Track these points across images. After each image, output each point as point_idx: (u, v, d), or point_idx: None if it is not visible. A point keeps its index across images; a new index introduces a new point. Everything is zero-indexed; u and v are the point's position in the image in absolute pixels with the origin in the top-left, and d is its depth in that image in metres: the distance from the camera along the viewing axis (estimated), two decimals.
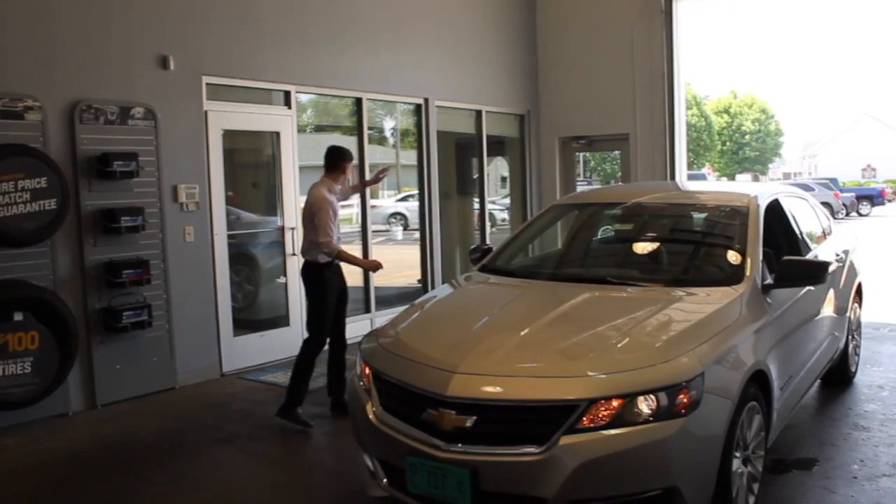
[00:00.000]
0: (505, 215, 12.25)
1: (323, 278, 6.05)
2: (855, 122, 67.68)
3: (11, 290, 5.76)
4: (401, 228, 11.11)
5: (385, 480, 3.98)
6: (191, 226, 7.11)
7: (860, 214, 35.30)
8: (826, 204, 30.82)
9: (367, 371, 4.12)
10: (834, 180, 36.18)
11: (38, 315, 5.85)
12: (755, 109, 59.05)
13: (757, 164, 59.44)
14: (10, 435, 5.79)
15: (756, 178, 53.32)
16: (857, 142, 63.19)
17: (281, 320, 8.18)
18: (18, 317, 5.76)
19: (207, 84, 7.25)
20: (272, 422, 6.05)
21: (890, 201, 41.89)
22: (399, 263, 10.35)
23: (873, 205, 36.83)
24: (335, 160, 6.18)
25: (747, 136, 58.41)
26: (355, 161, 9.05)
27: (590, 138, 11.36)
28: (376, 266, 6.41)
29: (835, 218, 30.58)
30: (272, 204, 8.25)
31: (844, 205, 33.95)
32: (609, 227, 6.19)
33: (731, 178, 53.06)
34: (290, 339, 8.06)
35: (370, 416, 3.96)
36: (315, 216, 5.93)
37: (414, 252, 10.20)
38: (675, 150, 10.44)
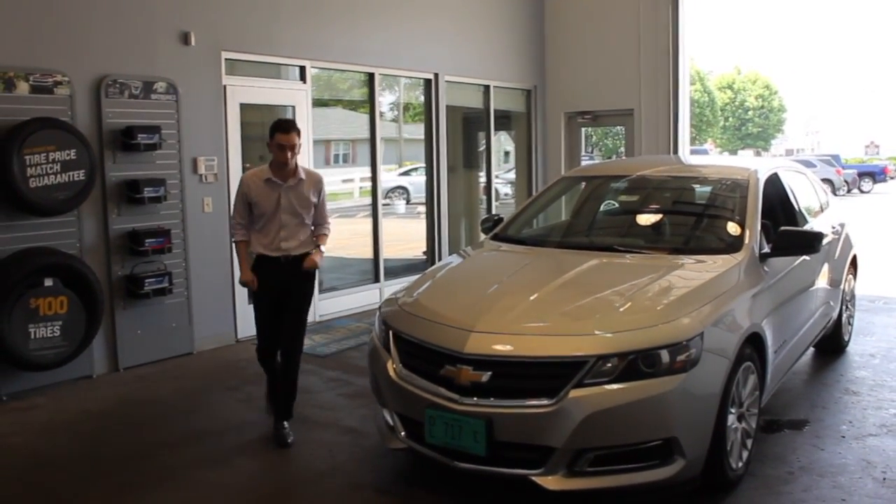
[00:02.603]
0: (507, 190, 12.46)
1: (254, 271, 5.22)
2: (859, 99, 67.54)
3: (42, 257, 6.01)
4: (403, 202, 11.29)
5: (403, 433, 4.26)
6: (209, 197, 7.35)
7: (862, 191, 35.41)
8: (827, 180, 30.96)
9: (388, 331, 4.40)
10: (836, 157, 36.21)
11: (66, 281, 6.10)
12: (759, 85, 58.98)
13: (759, 141, 59.46)
14: (41, 395, 6.07)
15: (758, 154, 53.34)
16: (861, 118, 63.12)
17: None
18: (49, 282, 6.01)
19: (226, 59, 7.46)
20: None
21: (892, 178, 41.89)
22: (403, 237, 10.58)
23: (875, 181, 36.89)
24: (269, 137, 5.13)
25: (750, 112, 58.39)
26: (363, 134, 9.27)
27: (595, 113, 11.55)
28: (249, 282, 5.17)
29: (836, 194, 30.60)
30: None
31: (846, 181, 34.03)
32: (615, 198, 6.43)
33: (734, 153, 53.07)
34: None
35: (391, 374, 4.24)
36: None
37: (416, 225, 10.42)
38: (679, 125, 10.63)
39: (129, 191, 6.65)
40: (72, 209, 6.24)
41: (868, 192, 35.50)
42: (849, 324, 7.09)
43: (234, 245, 5.43)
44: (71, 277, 6.13)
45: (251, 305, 5.48)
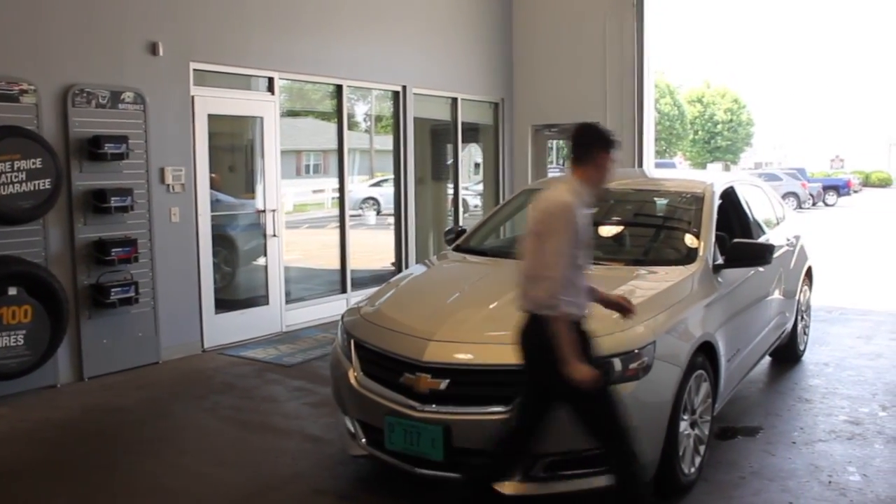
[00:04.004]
0: (477, 201, 12.57)
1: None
2: (825, 114, 68.65)
3: (6, 266, 6.00)
4: (374, 213, 11.38)
5: (364, 440, 4.35)
6: (176, 207, 7.37)
7: (826, 204, 36.02)
8: (793, 193, 31.51)
9: (350, 340, 4.48)
10: (801, 170, 36.82)
11: (30, 290, 6.09)
12: (727, 99, 59.66)
13: (728, 154, 60.08)
14: (4, 404, 6.05)
15: (727, 168, 53.91)
16: (827, 132, 64.18)
17: (260, 300, 8.48)
18: (13, 291, 6.00)
19: (195, 70, 7.50)
20: (254, 392, 6.40)
21: (856, 192, 42.69)
22: (373, 248, 10.66)
23: (839, 195, 37.58)
24: (584, 145, 3.74)
25: (719, 126, 59.01)
26: (334, 145, 9.34)
27: (562, 126, 11.71)
28: (594, 379, 3.44)
29: (801, 207, 31.02)
30: (252, 187, 8.54)
31: (811, 194, 34.63)
32: None
33: (703, 166, 53.64)
34: (268, 317, 8.40)
35: (352, 381, 4.33)
36: (546, 235, 3.52)
37: (386, 236, 10.50)
38: (644, 138, 10.83)
39: (95, 200, 6.66)
40: (37, 218, 6.24)
41: (833, 205, 36.12)
42: (804, 334, 7.27)
43: (553, 310, 3.46)
44: (36, 286, 6.12)
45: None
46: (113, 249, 6.72)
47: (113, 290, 6.73)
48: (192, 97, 7.49)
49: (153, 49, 7.09)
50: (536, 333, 3.56)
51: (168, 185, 7.28)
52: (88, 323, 6.74)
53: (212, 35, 7.61)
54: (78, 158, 6.59)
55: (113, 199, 6.69)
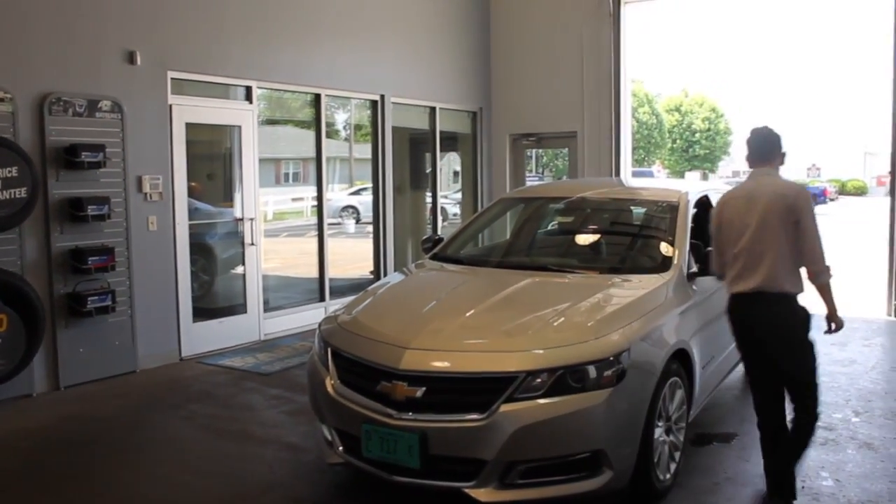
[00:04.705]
0: (456, 210, 12.63)
1: (807, 314, 4.54)
2: (802, 122, 69.28)
3: None
4: (353, 221, 11.40)
5: (341, 448, 4.36)
6: (154, 215, 7.35)
7: None
8: None
9: (327, 348, 4.49)
10: None
11: (6, 299, 6.04)
12: (705, 108, 60.14)
13: (706, 162, 60.53)
14: None
15: (705, 177, 54.27)
16: (803, 141, 64.76)
17: (238, 308, 8.46)
18: None
19: (172, 79, 7.50)
20: (232, 401, 6.39)
21: (832, 200, 43.12)
22: (352, 256, 10.67)
23: (816, 203, 37.83)
24: (775, 144, 4.52)
25: (697, 135, 59.45)
26: (310, 153, 9.36)
27: (539, 135, 11.79)
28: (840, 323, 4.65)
29: None
30: (230, 195, 8.53)
31: None
32: (553, 219, 6.59)
33: (681, 175, 53.98)
34: (247, 325, 8.38)
35: (329, 390, 4.33)
36: (809, 220, 4.34)
37: (365, 245, 10.52)
38: (621, 147, 10.92)
39: (72, 208, 6.64)
40: (13, 226, 6.20)
41: None
42: None
43: (825, 287, 4.58)
44: (11, 295, 6.07)
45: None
46: (90, 258, 6.69)
47: (90, 298, 6.69)
48: (170, 106, 7.48)
49: (130, 58, 7.08)
50: (789, 311, 4.54)
51: (145, 193, 7.26)
52: (65, 332, 6.71)
53: (189, 44, 7.61)
54: (55, 167, 6.57)
55: (90, 207, 6.66)
